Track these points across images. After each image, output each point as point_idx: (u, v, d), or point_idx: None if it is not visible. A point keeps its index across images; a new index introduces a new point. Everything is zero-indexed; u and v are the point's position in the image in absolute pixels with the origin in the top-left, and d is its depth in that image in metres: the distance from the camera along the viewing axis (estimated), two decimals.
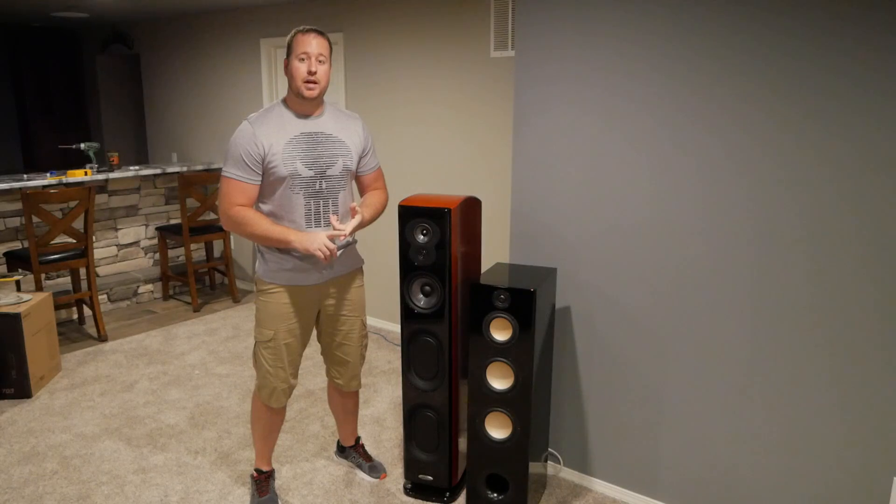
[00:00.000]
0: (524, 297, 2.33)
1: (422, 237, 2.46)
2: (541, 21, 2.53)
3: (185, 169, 5.42)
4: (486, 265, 3.93)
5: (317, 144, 2.35)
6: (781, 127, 2.12)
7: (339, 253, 2.43)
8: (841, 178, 2.05)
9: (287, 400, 2.55)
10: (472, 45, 3.89)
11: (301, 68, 2.27)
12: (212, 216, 5.19)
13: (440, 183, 4.21)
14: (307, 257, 2.37)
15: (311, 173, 2.33)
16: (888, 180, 1.97)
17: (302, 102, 2.34)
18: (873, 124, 1.97)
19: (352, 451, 2.93)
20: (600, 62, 2.43)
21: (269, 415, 2.58)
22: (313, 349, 3.86)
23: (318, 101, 2.37)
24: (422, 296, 2.53)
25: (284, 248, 2.35)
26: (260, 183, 2.32)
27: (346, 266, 2.53)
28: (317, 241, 2.26)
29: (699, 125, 2.27)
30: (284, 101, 2.37)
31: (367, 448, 3.05)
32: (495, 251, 3.95)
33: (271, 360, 2.45)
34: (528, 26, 2.57)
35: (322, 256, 2.25)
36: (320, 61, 2.28)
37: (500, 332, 2.39)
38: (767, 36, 2.09)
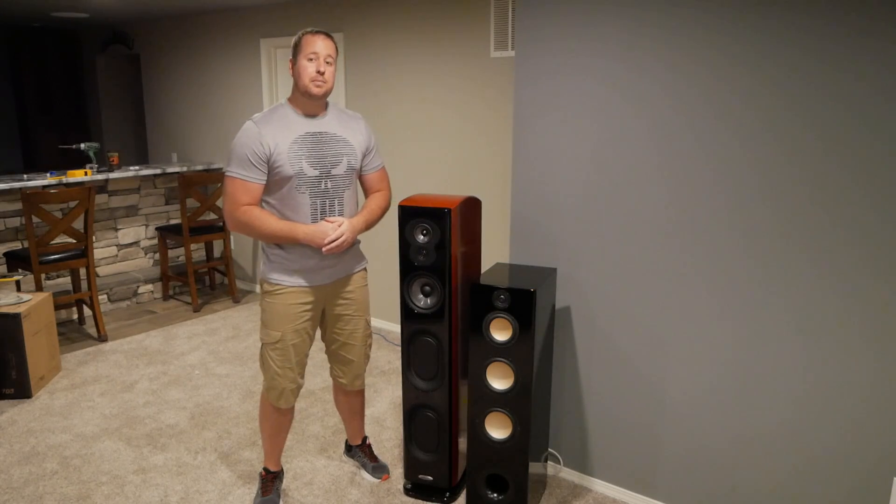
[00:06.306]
0: (524, 297, 2.33)
1: (422, 237, 2.46)
2: (541, 21, 2.53)
3: (185, 169, 5.42)
4: (486, 265, 3.93)
5: (322, 144, 2.36)
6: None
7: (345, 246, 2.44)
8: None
9: (295, 399, 2.56)
10: (472, 45, 3.89)
11: (309, 68, 2.29)
12: (212, 216, 5.18)
13: (440, 183, 4.21)
14: (312, 257, 2.38)
15: (317, 173, 2.34)
16: None
17: (307, 102, 2.36)
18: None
19: (358, 451, 2.93)
20: (600, 62, 2.43)
21: (277, 415, 2.58)
22: (313, 348, 3.85)
23: (322, 102, 2.40)
24: (422, 296, 2.53)
25: (290, 249, 2.37)
26: (265, 182, 2.33)
27: (350, 266, 2.54)
28: (325, 233, 2.31)
29: (700, 125, 2.27)
30: (288, 102, 2.39)
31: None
32: (495, 251, 3.95)
33: (280, 362, 2.46)
34: (528, 26, 2.57)
35: (334, 247, 2.31)
36: (328, 62, 2.32)
37: (500, 332, 2.39)
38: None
